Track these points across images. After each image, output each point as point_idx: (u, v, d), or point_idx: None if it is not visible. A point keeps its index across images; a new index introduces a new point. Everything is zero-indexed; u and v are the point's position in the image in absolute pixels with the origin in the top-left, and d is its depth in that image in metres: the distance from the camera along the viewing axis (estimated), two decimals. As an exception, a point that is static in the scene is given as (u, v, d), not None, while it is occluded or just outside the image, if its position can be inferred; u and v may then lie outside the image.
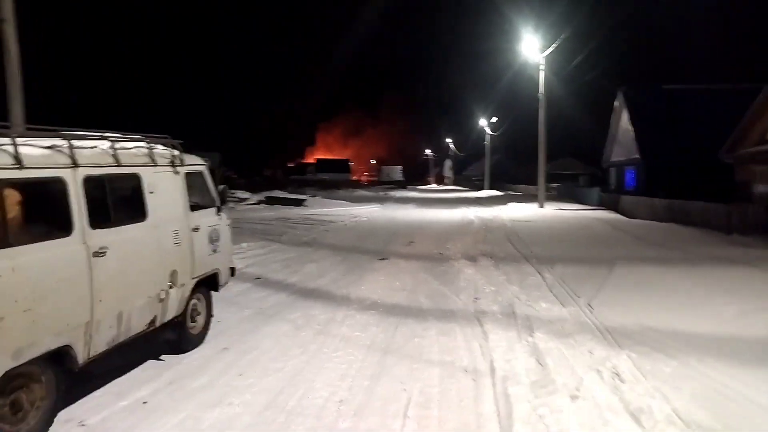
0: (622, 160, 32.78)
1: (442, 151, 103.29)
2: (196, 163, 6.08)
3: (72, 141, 4.32)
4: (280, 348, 6.04)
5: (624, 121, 32.01)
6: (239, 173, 69.47)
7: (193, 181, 5.93)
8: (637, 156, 29.27)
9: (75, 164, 4.17)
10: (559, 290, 8.86)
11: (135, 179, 4.92)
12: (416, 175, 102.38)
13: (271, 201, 29.61)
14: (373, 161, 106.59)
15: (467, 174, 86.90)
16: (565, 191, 42.08)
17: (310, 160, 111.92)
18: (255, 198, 30.60)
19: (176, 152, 5.64)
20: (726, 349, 5.83)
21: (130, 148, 5.02)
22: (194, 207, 5.89)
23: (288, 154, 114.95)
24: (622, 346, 5.92)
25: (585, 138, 55.38)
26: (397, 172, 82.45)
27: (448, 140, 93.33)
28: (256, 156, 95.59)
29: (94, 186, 4.36)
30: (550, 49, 25.96)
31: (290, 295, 8.72)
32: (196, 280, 5.77)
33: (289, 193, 39.20)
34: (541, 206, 27.14)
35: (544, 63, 27.24)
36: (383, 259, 12.41)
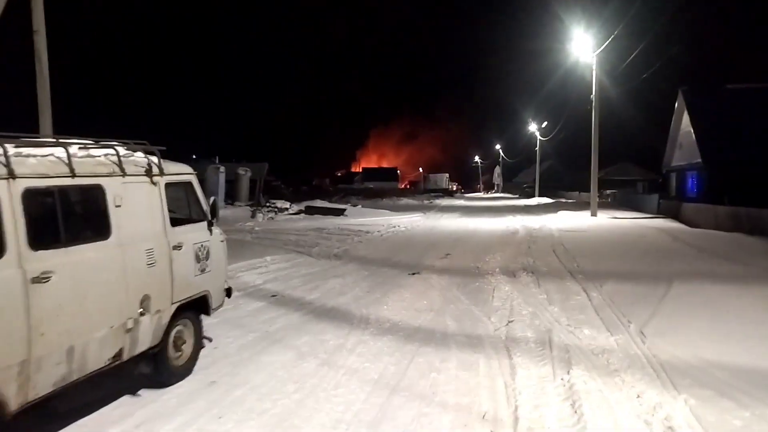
0: (683, 165, 30.72)
1: (491, 158, 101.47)
2: (181, 171, 5.45)
3: (13, 148, 3.74)
4: (274, 383, 5.30)
5: (685, 124, 30.02)
6: (288, 183, 70.14)
7: (177, 192, 5.31)
8: (699, 160, 27.28)
9: (11, 175, 3.58)
10: (607, 313, 7.79)
11: (97, 191, 4.30)
12: (466, 182, 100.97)
13: (310, 211, 29.18)
14: (420, 169, 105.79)
15: (517, 181, 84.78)
16: (622, 198, 40.02)
17: (358, 169, 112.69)
18: (295, 208, 30.26)
19: (155, 160, 5.01)
20: (814, 398, 4.69)
21: (95, 156, 4.42)
22: (178, 221, 5.26)
23: (339, 162, 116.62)
24: (680, 389, 4.87)
25: (644, 142, 52.70)
26: (444, 179, 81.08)
27: (498, 146, 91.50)
28: (305, 165, 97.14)
29: (37, 200, 3.77)
30: (602, 47, 24.49)
31: (304, 315, 8.00)
32: (178, 304, 5.12)
33: (333, 202, 38.84)
34: (594, 215, 25.56)
35: (596, 62, 25.75)
36: (414, 273, 11.56)
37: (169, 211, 5.15)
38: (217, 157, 50.01)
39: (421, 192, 72.15)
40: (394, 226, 22.48)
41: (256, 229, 21.06)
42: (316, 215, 28.11)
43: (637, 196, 36.05)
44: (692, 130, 28.18)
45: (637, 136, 55.75)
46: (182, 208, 5.44)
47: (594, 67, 25.89)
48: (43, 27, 11.45)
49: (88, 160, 4.30)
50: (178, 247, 5.08)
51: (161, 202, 4.95)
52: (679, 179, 32.33)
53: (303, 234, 19.06)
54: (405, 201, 51.25)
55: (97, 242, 4.24)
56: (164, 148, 5.12)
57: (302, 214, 28.64)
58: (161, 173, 4.99)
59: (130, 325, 4.48)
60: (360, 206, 35.58)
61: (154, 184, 4.90)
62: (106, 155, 4.52)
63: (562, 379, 5.22)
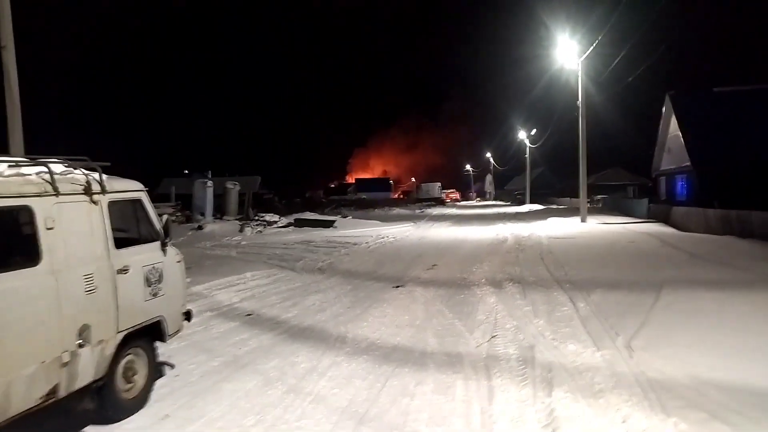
0: (673, 169, 30.58)
1: (482, 166, 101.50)
2: (128, 189, 5.06)
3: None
4: (233, 415, 4.90)
5: (673, 128, 29.92)
6: (281, 195, 69.76)
7: (123, 210, 4.92)
8: (688, 164, 27.12)
9: None
10: (594, 325, 7.44)
11: (24, 213, 3.92)
12: (458, 190, 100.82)
13: (300, 223, 28.76)
14: (413, 179, 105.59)
15: (509, 188, 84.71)
16: (612, 203, 39.84)
17: (353, 180, 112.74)
18: (284, 221, 29.81)
19: (95, 176, 4.63)
20: (814, 417, 4.34)
21: (25, 175, 4.05)
22: (126, 242, 4.87)
23: (334, 172, 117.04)
24: (669, 411, 4.51)
25: (633, 147, 52.76)
26: (435, 188, 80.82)
27: (488, 154, 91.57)
28: (300, 177, 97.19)
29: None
30: (587, 53, 24.34)
31: (277, 336, 7.60)
32: (126, 332, 4.72)
33: (325, 213, 38.40)
34: (584, 220, 25.29)
35: (581, 68, 25.59)
36: (398, 286, 11.19)
37: (116, 231, 4.77)
38: (209, 172, 49.52)
39: (413, 201, 71.88)
40: (383, 237, 22.10)
41: (243, 243, 20.65)
42: (305, 227, 27.69)
43: (627, 201, 35.86)
44: (680, 134, 28.05)
45: (626, 141, 55.89)
46: (131, 228, 5.06)
47: (579, 74, 25.74)
48: (12, 42, 11.10)
49: (15, 179, 3.92)
50: (123, 270, 4.69)
51: (103, 222, 4.56)
52: (668, 183, 32.18)
53: (289, 247, 18.67)
54: (397, 211, 50.91)
55: (24, 269, 3.84)
56: (108, 164, 4.74)
57: (291, 227, 28.21)
58: (103, 191, 4.61)
59: (66, 358, 4.08)
60: (350, 217, 35.17)
61: (95, 203, 4.51)
62: (38, 173, 4.15)
63: (542, 402, 4.85)
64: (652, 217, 26.95)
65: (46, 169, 4.19)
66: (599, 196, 46.66)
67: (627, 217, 28.66)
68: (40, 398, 3.92)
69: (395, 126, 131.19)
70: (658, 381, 5.18)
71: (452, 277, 12.18)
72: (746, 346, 6.15)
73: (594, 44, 22.81)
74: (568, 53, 25.95)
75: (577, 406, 4.69)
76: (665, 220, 24.18)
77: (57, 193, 4.13)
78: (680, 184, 30.24)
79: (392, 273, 12.99)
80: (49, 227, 4.02)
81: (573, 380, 5.35)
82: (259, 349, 6.97)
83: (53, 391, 4.02)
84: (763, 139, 24.86)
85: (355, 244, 19.52)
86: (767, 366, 5.51)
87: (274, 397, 5.29)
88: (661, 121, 31.40)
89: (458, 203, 76.59)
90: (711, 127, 26.71)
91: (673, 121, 29.55)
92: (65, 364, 4.07)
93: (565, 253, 14.88)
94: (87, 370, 4.30)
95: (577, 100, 26.20)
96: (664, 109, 30.72)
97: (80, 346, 4.20)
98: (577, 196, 30.49)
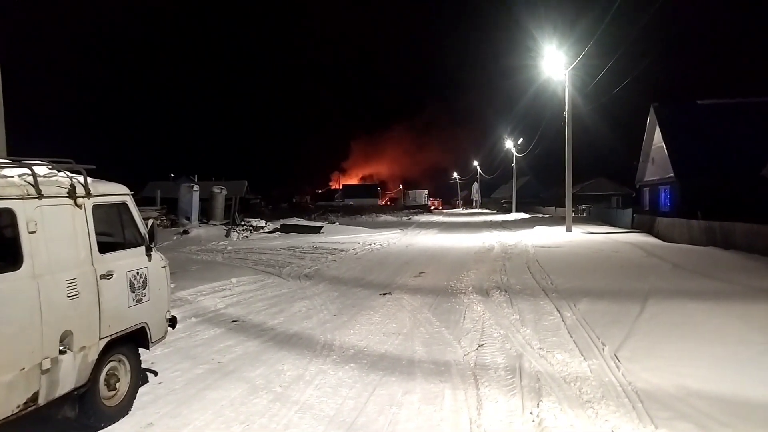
0: (656, 180, 30.97)
1: (469, 174, 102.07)
2: (113, 192, 4.97)
3: None
4: (217, 424, 4.81)
5: (657, 139, 30.32)
6: (268, 200, 69.50)
7: (108, 214, 4.83)
8: (671, 175, 27.49)
9: None
10: (581, 334, 7.45)
11: (5, 215, 3.82)
12: (445, 198, 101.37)
13: (286, 229, 28.61)
14: (400, 186, 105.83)
15: (495, 197, 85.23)
16: (597, 213, 40.18)
17: (338, 186, 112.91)
18: (271, 226, 29.62)
19: (80, 179, 4.54)
20: (799, 429, 4.37)
21: (7, 177, 3.95)
22: (110, 247, 4.77)
23: (322, 178, 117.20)
24: (657, 422, 4.51)
25: (617, 157, 53.51)
26: (423, 196, 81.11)
27: (475, 163, 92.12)
28: (288, 182, 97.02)
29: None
30: (574, 64, 24.56)
31: (263, 343, 7.51)
32: (109, 339, 4.61)
33: (312, 219, 38.25)
34: (569, 230, 25.44)
35: (568, 79, 25.81)
36: (385, 293, 11.14)
37: (100, 235, 4.68)
38: (195, 176, 49.07)
39: (401, 208, 72.00)
40: (370, 244, 22.04)
41: (229, 248, 20.45)
42: (292, 233, 27.53)
43: (612, 211, 36.18)
44: (664, 146, 28.43)
45: (611, 152, 56.61)
46: (116, 233, 4.96)
47: (566, 84, 25.96)
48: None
49: (-3, 181, 3.83)
50: (107, 275, 4.59)
51: (87, 226, 4.47)
52: (652, 194, 32.56)
53: (276, 253, 18.53)
54: (384, 217, 50.82)
55: (5, 273, 3.74)
56: (93, 166, 4.65)
57: (278, 233, 28.03)
58: (87, 194, 4.51)
59: (47, 365, 3.97)
60: (337, 223, 35.05)
61: (79, 206, 4.42)
62: (20, 175, 4.05)
63: (531, 413, 4.83)
64: (636, 227, 27.20)
65: (29, 171, 4.10)
66: (584, 206, 47.09)
67: (611, 227, 28.91)
68: (19, 407, 3.81)
69: (382, 131, 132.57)
70: (646, 391, 5.19)
71: (439, 284, 12.16)
72: (733, 357, 6.19)
73: (581, 55, 23.03)
74: (555, 64, 26.17)
75: (565, 417, 4.67)
76: (649, 230, 24.42)
77: (40, 196, 4.04)
78: (663, 195, 30.62)
79: (379, 280, 12.94)
80: (31, 230, 3.93)
81: (561, 390, 5.34)
82: (245, 356, 6.87)
83: (33, 399, 3.91)
84: (744, 151, 25.27)
85: (342, 250, 19.43)
86: (754, 377, 5.54)
87: (260, 406, 5.21)
88: (645, 133, 31.81)
89: (444, 211, 76.81)
90: (694, 139, 27.11)
91: (657, 132, 29.95)
92: (46, 371, 3.96)
93: (551, 262, 14.94)
94: (68, 377, 4.19)
95: (564, 110, 26.43)
96: (648, 120, 31.14)
97: (62, 352, 4.10)
98: (562, 205, 30.68)
